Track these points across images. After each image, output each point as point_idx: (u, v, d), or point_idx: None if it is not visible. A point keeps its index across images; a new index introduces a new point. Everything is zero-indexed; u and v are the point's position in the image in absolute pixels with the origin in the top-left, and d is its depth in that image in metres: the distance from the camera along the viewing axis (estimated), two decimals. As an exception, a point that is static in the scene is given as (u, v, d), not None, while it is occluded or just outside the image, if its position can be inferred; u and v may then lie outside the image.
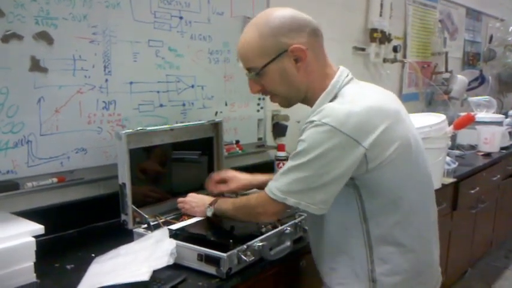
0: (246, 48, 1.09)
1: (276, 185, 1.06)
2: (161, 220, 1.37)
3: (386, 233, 1.06)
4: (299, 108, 1.20)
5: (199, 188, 1.53)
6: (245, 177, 1.46)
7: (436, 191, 2.10)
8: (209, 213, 1.31)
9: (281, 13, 1.07)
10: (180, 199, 1.43)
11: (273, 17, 1.07)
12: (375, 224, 1.06)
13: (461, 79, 3.56)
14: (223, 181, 1.48)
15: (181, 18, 1.70)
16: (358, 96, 1.05)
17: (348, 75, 1.12)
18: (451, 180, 2.31)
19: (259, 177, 1.44)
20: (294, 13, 1.08)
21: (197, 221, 1.37)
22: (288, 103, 1.16)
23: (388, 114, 1.03)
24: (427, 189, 1.15)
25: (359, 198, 1.05)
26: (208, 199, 1.36)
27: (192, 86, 1.77)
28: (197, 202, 1.38)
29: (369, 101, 1.04)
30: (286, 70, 1.07)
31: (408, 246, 1.07)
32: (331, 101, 1.07)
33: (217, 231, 1.37)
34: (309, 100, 1.12)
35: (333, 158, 0.98)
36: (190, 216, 1.40)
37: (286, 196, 1.03)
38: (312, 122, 1.01)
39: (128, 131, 1.35)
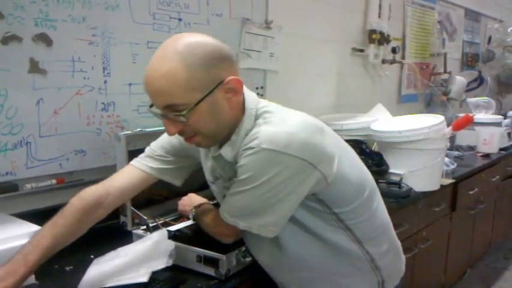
0: (168, 82, 0.90)
1: (226, 208, 1.03)
2: (160, 221, 1.37)
3: (363, 222, 1.09)
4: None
5: (198, 189, 1.53)
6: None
7: (435, 192, 2.13)
8: (191, 216, 1.30)
9: (204, 40, 0.95)
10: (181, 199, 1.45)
11: (198, 44, 0.93)
12: (350, 221, 1.07)
13: (460, 80, 3.57)
14: None
15: (180, 19, 1.70)
16: (285, 116, 1.00)
17: (251, 93, 1.05)
18: (450, 181, 2.31)
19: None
20: (215, 40, 0.97)
21: (196, 223, 1.37)
22: (211, 142, 1.03)
23: (317, 127, 1.01)
24: (368, 175, 1.16)
25: (327, 208, 1.05)
26: (198, 200, 1.35)
27: (191, 88, 1.77)
28: (188, 202, 1.38)
29: (297, 118, 1.00)
30: (217, 105, 0.95)
31: (382, 227, 1.16)
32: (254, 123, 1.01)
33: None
34: (228, 133, 1.01)
35: (280, 181, 0.94)
36: (189, 218, 1.40)
37: (236, 220, 1.01)
38: (250, 148, 0.94)
39: (127, 132, 1.35)
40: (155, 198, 1.48)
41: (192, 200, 1.38)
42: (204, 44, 0.94)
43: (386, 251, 1.15)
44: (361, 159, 1.19)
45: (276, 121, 0.98)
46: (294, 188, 0.96)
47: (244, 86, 1.01)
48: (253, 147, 0.93)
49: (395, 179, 1.96)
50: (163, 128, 1.48)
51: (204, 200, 1.36)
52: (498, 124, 3.22)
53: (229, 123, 0.99)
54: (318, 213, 1.05)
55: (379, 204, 1.17)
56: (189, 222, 1.36)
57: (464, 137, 3.05)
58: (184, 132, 0.98)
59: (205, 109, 0.94)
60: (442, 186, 2.19)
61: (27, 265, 0.97)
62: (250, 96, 1.03)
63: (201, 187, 1.53)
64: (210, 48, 0.94)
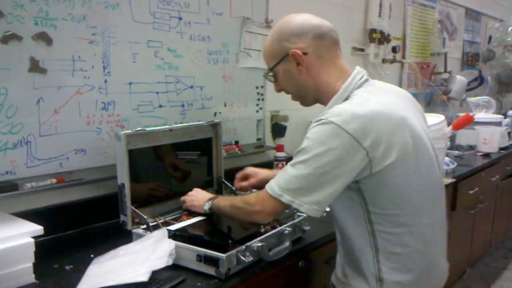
0: (263, 52, 1.21)
1: (276, 181, 1.08)
2: (160, 221, 1.37)
3: (392, 234, 1.08)
4: (299, 110, 1.21)
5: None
6: (264, 172, 1.48)
7: (435, 191, 2.11)
8: (206, 208, 1.33)
9: (291, 19, 1.15)
10: (186, 195, 1.45)
11: (283, 22, 1.16)
12: (379, 225, 1.07)
13: (460, 79, 3.57)
14: (245, 178, 1.50)
15: (180, 18, 1.70)
16: (365, 100, 1.06)
17: (362, 78, 1.13)
18: (450, 180, 2.31)
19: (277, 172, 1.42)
20: (303, 19, 1.15)
21: (196, 222, 1.37)
22: (302, 101, 1.22)
23: (391, 119, 1.04)
24: (433, 191, 1.15)
25: (363, 201, 1.06)
26: (208, 195, 1.38)
27: (191, 87, 1.77)
28: (197, 196, 1.40)
29: (375, 105, 1.05)
30: (290, 72, 1.14)
31: (413, 246, 1.10)
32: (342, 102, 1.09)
33: (217, 232, 1.37)
34: (322, 101, 1.16)
35: (334, 157, 0.99)
36: (189, 217, 1.40)
37: (283, 193, 1.04)
38: (319, 120, 1.03)
39: (127, 131, 1.35)
40: (155, 198, 1.48)
41: (201, 195, 1.40)
42: (289, 21, 1.15)
43: (400, 271, 1.10)
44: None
45: (354, 102, 1.07)
46: (345, 169, 1.00)
47: (358, 67, 1.15)
48: (321, 119, 1.03)
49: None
50: (163, 127, 1.50)
51: (212, 194, 1.38)
52: (498, 123, 3.22)
53: (308, 87, 1.15)
54: (352, 206, 1.07)
55: (419, 230, 1.10)
56: (190, 222, 1.36)
57: (465, 137, 3.05)
58: (284, 91, 1.21)
59: (282, 74, 1.17)
60: (442, 186, 2.19)
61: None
62: (353, 79, 1.12)
63: (199, 188, 1.54)
64: (290, 24, 1.14)
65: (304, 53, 1.11)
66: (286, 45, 1.12)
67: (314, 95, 1.17)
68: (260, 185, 1.46)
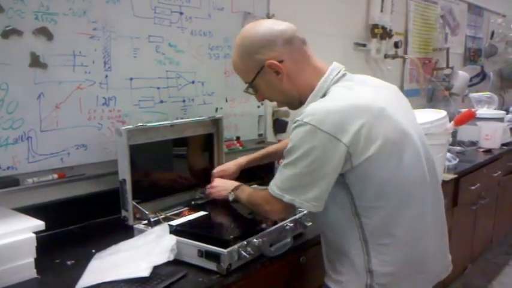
0: (235, 68, 1.20)
1: (274, 182, 1.11)
2: (161, 216, 1.37)
3: (379, 225, 1.09)
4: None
5: (200, 185, 1.53)
6: (233, 168, 1.53)
7: (437, 187, 2.11)
8: (231, 198, 1.35)
9: (253, 31, 1.13)
10: (209, 185, 1.46)
11: (246, 36, 1.14)
12: (367, 219, 1.08)
13: (462, 75, 3.55)
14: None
15: (181, 13, 1.69)
16: (341, 95, 1.08)
17: (338, 73, 1.13)
18: (451, 176, 2.31)
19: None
20: (265, 27, 1.13)
21: (198, 217, 1.37)
22: (290, 106, 1.23)
23: (368, 111, 1.04)
24: (421, 184, 1.13)
25: (349, 195, 1.08)
26: (231, 184, 1.40)
27: (193, 82, 1.77)
28: (224, 186, 1.42)
29: (351, 99, 1.06)
30: (271, 82, 1.14)
31: (402, 237, 1.10)
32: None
33: (218, 227, 1.37)
34: (305, 102, 1.16)
35: (317, 156, 1.02)
36: (190, 212, 1.40)
37: (283, 193, 1.08)
38: (296, 121, 1.05)
39: (128, 127, 1.35)
40: (156, 193, 1.48)
41: (227, 184, 1.41)
42: (253, 34, 1.13)
43: (390, 263, 1.10)
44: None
45: (329, 98, 1.08)
46: (331, 165, 1.02)
47: (334, 63, 1.16)
48: (298, 121, 1.04)
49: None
50: (164, 123, 1.50)
51: (237, 182, 1.39)
52: (500, 119, 3.21)
53: (292, 93, 1.16)
54: (340, 201, 1.09)
55: (407, 221, 1.09)
56: (191, 217, 1.36)
57: (466, 132, 3.05)
58: (268, 100, 1.23)
59: (263, 85, 1.16)
60: (444, 182, 2.18)
61: (248, 158, 1.54)
62: (328, 75, 1.13)
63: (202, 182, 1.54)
64: (255, 37, 1.12)
65: (280, 61, 1.11)
66: (258, 58, 1.12)
67: (298, 99, 1.17)
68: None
